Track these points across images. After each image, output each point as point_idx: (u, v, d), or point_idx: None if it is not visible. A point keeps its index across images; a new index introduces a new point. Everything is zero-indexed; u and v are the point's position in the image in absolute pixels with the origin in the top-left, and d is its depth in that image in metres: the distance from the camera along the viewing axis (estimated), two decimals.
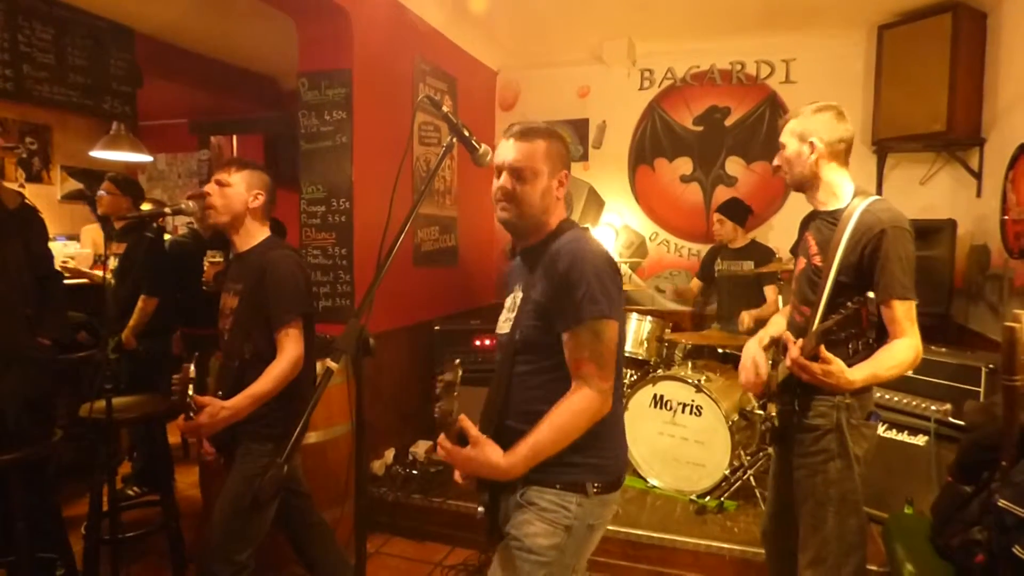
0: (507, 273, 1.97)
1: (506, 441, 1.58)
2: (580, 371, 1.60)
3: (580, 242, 1.68)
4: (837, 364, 1.83)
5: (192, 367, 2.31)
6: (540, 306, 1.67)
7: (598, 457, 1.70)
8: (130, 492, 4.00)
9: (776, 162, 2.24)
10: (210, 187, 2.41)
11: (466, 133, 1.68)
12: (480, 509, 1.77)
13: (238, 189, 2.41)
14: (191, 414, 2.17)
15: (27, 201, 3.00)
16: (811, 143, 2.13)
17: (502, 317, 1.85)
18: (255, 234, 2.47)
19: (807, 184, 2.20)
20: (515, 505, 1.71)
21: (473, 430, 1.54)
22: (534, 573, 1.67)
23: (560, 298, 1.62)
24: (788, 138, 2.19)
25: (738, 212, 4.51)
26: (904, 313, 1.96)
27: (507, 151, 1.72)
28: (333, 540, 2.71)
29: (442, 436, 1.57)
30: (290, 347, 2.30)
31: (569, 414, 1.59)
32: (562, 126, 5.58)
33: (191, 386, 2.36)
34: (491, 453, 1.55)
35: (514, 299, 1.81)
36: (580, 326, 1.59)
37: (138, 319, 3.91)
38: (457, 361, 1.56)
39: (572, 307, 1.60)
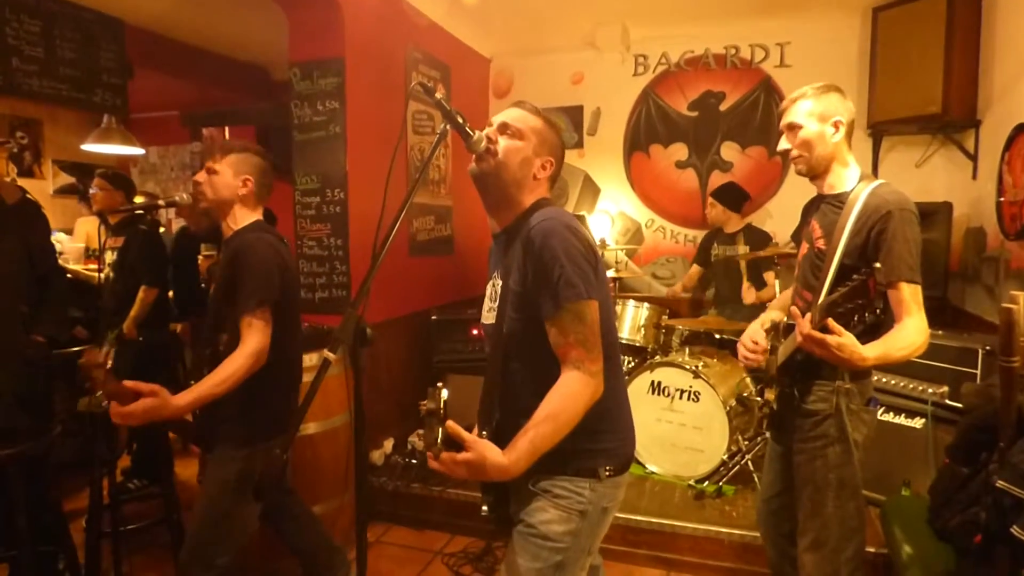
0: (489, 252, 1.94)
1: (506, 438, 1.51)
2: (568, 356, 1.56)
3: (549, 221, 1.61)
4: (849, 337, 1.77)
5: (105, 351, 2.20)
6: (518, 296, 1.64)
7: (608, 441, 1.69)
8: (130, 486, 4.01)
9: (787, 146, 2.13)
10: (200, 175, 2.34)
11: (460, 120, 1.66)
12: (484, 509, 1.74)
13: (225, 177, 2.33)
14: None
15: (28, 196, 2.97)
16: (836, 122, 2.07)
17: (485, 307, 1.81)
18: (242, 220, 2.38)
19: (825, 167, 2.13)
20: (527, 493, 1.69)
21: (464, 433, 1.43)
22: (551, 559, 1.65)
23: (536, 285, 1.59)
24: (805, 119, 2.08)
25: (730, 197, 4.51)
26: (911, 295, 1.94)
27: (506, 112, 1.75)
28: (318, 528, 2.69)
29: (428, 454, 1.43)
30: (251, 338, 2.13)
31: (565, 401, 1.53)
32: (556, 113, 5.61)
33: (104, 371, 2.23)
34: (490, 453, 1.43)
35: (494, 287, 1.77)
36: (560, 311, 1.55)
37: (139, 310, 3.93)
38: (440, 385, 1.42)
39: (549, 293, 1.56)
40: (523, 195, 1.73)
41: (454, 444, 1.41)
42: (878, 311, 1.64)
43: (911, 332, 1.92)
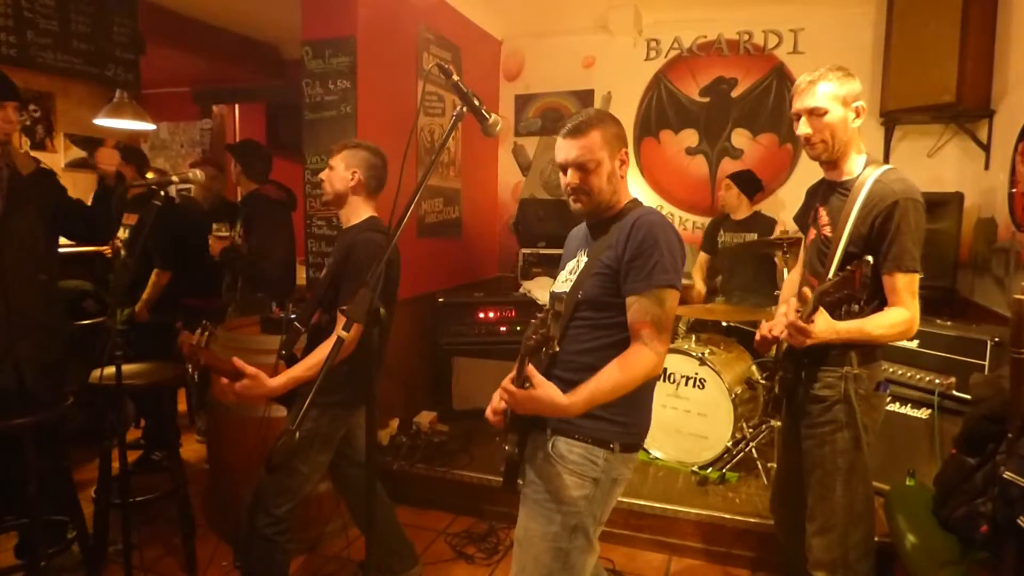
0: (568, 239, 2.10)
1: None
2: (640, 333, 1.71)
3: (654, 215, 1.80)
4: (822, 316, 1.88)
5: (198, 333, 2.27)
6: (609, 269, 1.78)
7: (626, 416, 1.81)
8: (154, 457, 4.06)
9: (808, 131, 2.07)
10: (323, 173, 2.57)
11: (476, 103, 1.66)
12: (507, 447, 1.85)
13: (338, 171, 2.52)
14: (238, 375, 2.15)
15: (43, 165, 2.99)
16: (858, 108, 2.05)
17: (561, 277, 1.96)
18: (356, 213, 2.56)
19: (842, 153, 2.09)
20: (544, 457, 1.82)
21: (536, 374, 1.61)
22: (566, 523, 1.78)
23: (632, 264, 1.73)
24: (830, 103, 2.02)
25: (748, 183, 4.47)
26: (905, 286, 1.96)
27: (566, 149, 1.82)
28: (387, 512, 2.79)
29: (507, 379, 1.64)
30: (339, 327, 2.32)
31: (629, 369, 1.68)
32: (567, 97, 5.58)
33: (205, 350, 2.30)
34: (553, 393, 1.62)
35: (577, 262, 1.92)
36: (648, 292, 1.70)
37: (151, 292, 3.93)
38: (541, 316, 1.69)
39: (643, 273, 1.71)
40: (618, 196, 1.88)
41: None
42: (862, 302, 1.68)
43: (893, 315, 1.97)
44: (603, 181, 1.81)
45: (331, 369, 1.44)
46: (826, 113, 2.04)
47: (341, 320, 2.29)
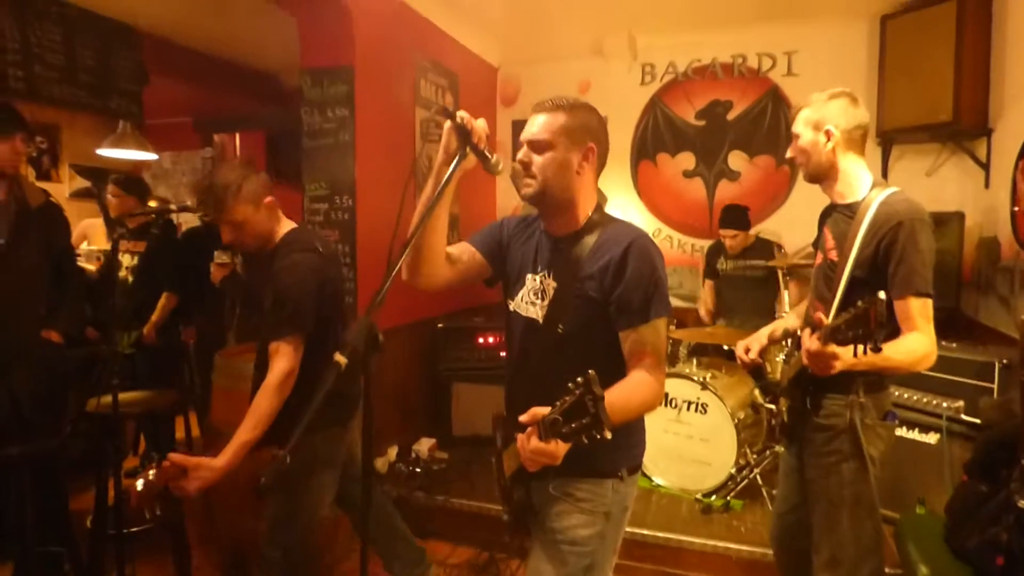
0: (510, 228, 1.91)
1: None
2: (642, 363, 1.62)
3: (644, 239, 1.68)
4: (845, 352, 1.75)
5: (148, 472, 2.08)
6: (594, 303, 1.66)
7: (627, 439, 1.74)
8: None
9: (790, 153, 2.18)
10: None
11: (481, 146, 1.64)
12: (505, 518, 1.78)
13: (253, 217, 2.32)
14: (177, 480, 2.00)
15: (51, 199, 3.01)
16: (827, 131, 2.06)
17: (523, 297, 1.79)
18: (275, 232, 2.38)
19: (824, 175, 2.13)
20: (549, 497, 1.73)
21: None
22: (580, 563, 1.69)
23: (631, 296, 1.62)
24: (802, 127, 2.11)
25: (741, 219, 4.31)
26: (919, 310, 1.90)
27: (529, 125, 1.71)
28: (393, 521, 2.76)
29: (532, 440, 1.41)
30: (277, 364, 2.13)
31: (633, 392, 1.58)
32: None
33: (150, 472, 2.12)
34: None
35: (541, 282, 1.76)
36: (648, 324, 1.62)
37: (160, 315, 3.97)
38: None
39: (641, 307, 1.62)
40: (576, 195, 1.71)
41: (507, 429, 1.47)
42: (878, 342, 1.59)
43: (911, 340, 1.88)
44: (550, 166, 1.66)
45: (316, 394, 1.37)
46: (799, 137, 2.13)
47: (276, 360, 2.14)
